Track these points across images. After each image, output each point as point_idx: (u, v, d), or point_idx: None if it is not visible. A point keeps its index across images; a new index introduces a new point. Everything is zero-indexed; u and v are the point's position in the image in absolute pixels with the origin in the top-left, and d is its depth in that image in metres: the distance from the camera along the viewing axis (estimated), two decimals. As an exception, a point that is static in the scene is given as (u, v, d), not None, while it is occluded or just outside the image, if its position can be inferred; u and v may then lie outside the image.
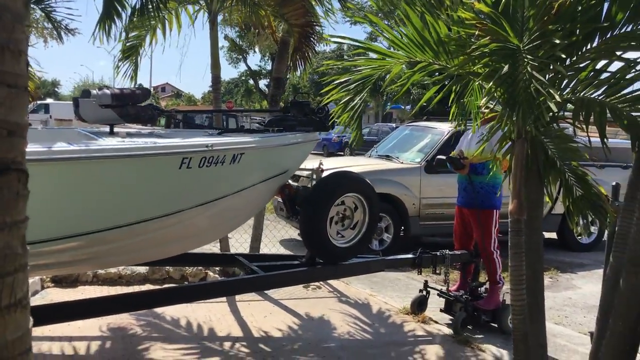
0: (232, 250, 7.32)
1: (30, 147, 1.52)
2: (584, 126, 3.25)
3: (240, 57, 48.15)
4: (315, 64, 9.48)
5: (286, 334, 5.39)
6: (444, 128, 9.63)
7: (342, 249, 5.27)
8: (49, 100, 37.78)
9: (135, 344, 4.97)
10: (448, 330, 5.64)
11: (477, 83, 3.78)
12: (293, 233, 9.96)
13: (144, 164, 4.03)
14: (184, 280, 6.80)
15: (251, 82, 53.67)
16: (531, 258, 3.42)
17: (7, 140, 1.34)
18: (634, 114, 3.06)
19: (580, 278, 8.32)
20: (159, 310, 5.60)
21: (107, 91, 4.65)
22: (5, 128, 1.33)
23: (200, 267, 6.84)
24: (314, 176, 7.09)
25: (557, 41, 2.91)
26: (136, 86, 7.48)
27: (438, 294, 6.06)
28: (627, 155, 5.11)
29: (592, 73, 3.24)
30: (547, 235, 9.49)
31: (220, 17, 7.85)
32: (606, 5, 2.99)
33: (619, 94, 3.09)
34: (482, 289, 6.04)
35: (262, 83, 51.12)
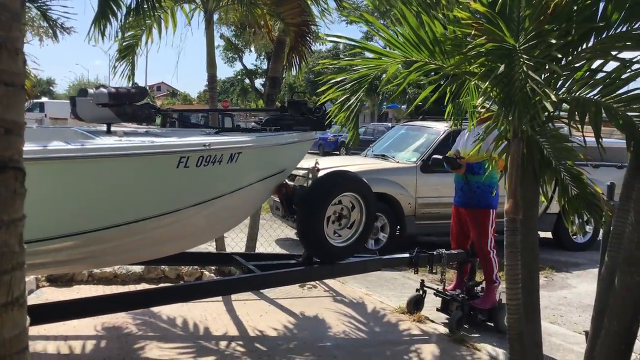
0: (228, 250, 7.32)
1: (27, 146, 1.52)
2: (579, 126, 3.26)
3: (236, 56, 48.16)
4: (311, 63, 9.47)
5: (282, 333, 5.39)
6: (440, 127, 9.65)
7: (339, 249, 5.27)
8: (44, 99, 37.76)
9: (130, 343, 4.96)
10: (444, 330, 5.65)
11: (473, 83, 3.79)
12: (289, 232, 9.96)
13: (142, 163, 4.02)
14: (180, 280, 6.79)
15: (247, 81, 53.70)
16: (527, 257, 3.43)
17: (4, 139, 1.34)
18: (629, 113, 3.07)
19: (575, 277, 8.34)
20: (154, 309, 5.59)
21: (104, 90, 4.64)
22: (2, 126, 1.33)
23: (196, 267, 6.83)
24: (310, 175, 7.10)
25: (553, 41, 2.93)
26: (132, 85, 7.46)
27: (435, 293, 6.07)
28: (622, 155, 5.13)
29: (587, 73, 3.25)
30: (542, 234, 9.53)
31: (216, 16, 7.84)
32: (602, 5, 3.00)
33: (615, 94, 3.10)
34: (479, 288, 6.06)
35: (258, 82, 51.16)
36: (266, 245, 8.31)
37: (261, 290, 6.35)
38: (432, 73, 3.76)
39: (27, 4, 6.48)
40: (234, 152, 4.48)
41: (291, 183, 5.67)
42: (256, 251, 7.39)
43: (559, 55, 3.06)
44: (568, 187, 3.60)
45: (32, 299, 5.59)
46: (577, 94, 3.22)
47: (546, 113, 2.98)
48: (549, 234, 10.19)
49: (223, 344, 5.06)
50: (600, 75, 3.21)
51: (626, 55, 3.09)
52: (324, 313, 5.98)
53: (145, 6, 5.90)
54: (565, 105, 3.34)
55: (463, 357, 5.05)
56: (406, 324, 5.78)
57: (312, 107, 5.61)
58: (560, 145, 3.44)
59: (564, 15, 2.98)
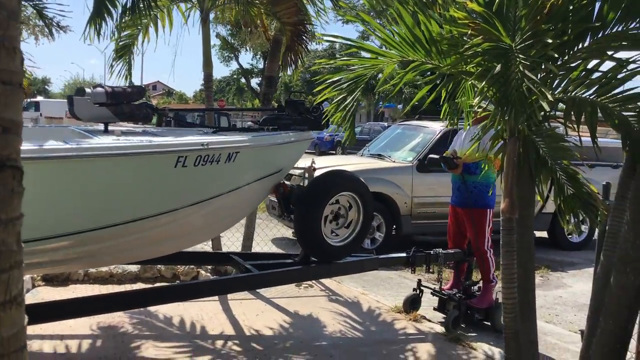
0: (224, 249, 7.32)
1: (25, 145, 1.52)
2: (575, 125, 3.27)
3: (232, 55, 48.14)
4: (307, 62, 9.48)
5: (278, 333, 5.39)
6: (436, 127, 9.67)
7: (337, 248, 5.28)
8: (39, 98, 37.65)
9: (127, 342, 4.96)
10: (440, 329, 5.66)
11: (469, 83, 3.79)
12: (285, 232, 9.97)
13: (140, 162, 4.02)
14: (176, 279, 6.78)
15: (243, 80, 53.65)
16: (522, 256, 3.44)
17: (2, 138, 1.34)
18: (625, 113, 3.08)
19: (570, 277, 8.36)
20: (151, 308, 5.59)
21: (102, 89, 4.63)
22: (0, 125, 1.33)
23: (192, 266, 6.83)
24: (306, 175, 7.09)
25: (549, 40, 2.93)
26: (128, 84, 7.46)
27: (432, 293, 6.08)
28: (617, 154, 5.15)
29: (583, 73, 3.26)
30: (537, 234, 9.52)
31: (212, 15, 7.84)
32: (598, 5, 3.00)
33: (610, 94, 3.10)
34: (475, 287, 6.07)
35: (254, 81, 51.12)
36: (262, 244, 8.31)
37: (257, 290, 6.35)
38: (429, 73, 3.77)
39: (23, 2, 6.47)
40: (232, 151, 4.48)
41: (288, 183, 5.66)
42: (252, 250, 7.39)
43: (555, 55, 3.07)
44: (564, 187, 3.61)
45: (28, 299, 5.58)
46: (573, 93, 3.23)
47: (542, 113, 2.98)
48: (544, 234, 10.22)
49: (219, 343, 5.06)
50: (596, 75, 3.22)
51: (622, 55, 3.10)
52: (320, 312, 5.98)
53: (141, 5, 5.89)
54: (561, 105, 3.35)
55: (459, 356, 5.06)
56: (402, 323, 5.79)
57: (309, 106, 5.62)
58: (556, 145, 3.45)
59: (560, 15, 2.99)
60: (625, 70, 3.07)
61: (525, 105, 2.93)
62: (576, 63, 3.24)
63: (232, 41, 42.70)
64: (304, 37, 7.60)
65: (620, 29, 2.98)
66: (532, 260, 3.60)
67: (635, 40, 3.00)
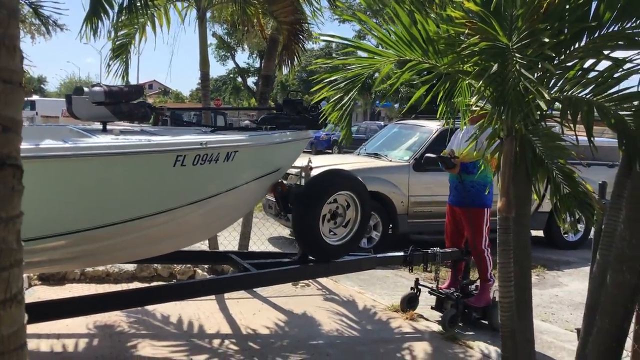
0: (221, 248, 7.32)
1: (23, 144, 1.52)
2: (571, 125, 3.28)
3: (229, 54, 48.09)
4: (303, 61, 9.48)
5: (275, 332, 5.40)
6: (432, 126, 9.68)
7: (335, 247, 5.29)
8: (35, 97, 37.49)
9: (123, 341, 4.96)
10: (437, 327, 5.67)
11: (466, 82, 3.80)
12: (282, 231, 9.98)
13: (139, 161, 4.02)
14: (173, 278, 6.78)
15: (239, 79, 53.61)
16: (519, 255, 3.45)
17: (2, 136, 1.34)
18: (620, 112, 3.09)
19: (566, 275, 8.38)
20: (147, 307, 5.59)
21: (100, 88, 4.62)
22: (0, 123, 1.33)
23: (188, 265, 6.82)
24: (303, 174, 7.11)
25: (546, 40, 2.94)
26: (124, 83, 7.45)
27: (429, 292, 6.09)
28: (613, 154, 5.16)
29: (579, 72, 3.27)
30: (534, 233, 9.57)
31: (208, 14, 7.83)
32: (594, 4, 3.02)
33: (606, 93, 3.12)
34: (473, 286, 6.09)
35: (251, 81, 51.10)
36: (259, 243, 8.31)
37: (254, 289, 6.35)
38: (425, 72, 3.78)
39: (20, 0, 6.45)
40: (231, 150, 4.48)
41: (286, 182, 5.67)
42: (249, 249, 7.39)
43: (552, 54, 3.08)
44: (560, 186, 3.62)
45: (25, 298, 5.56)
46: (570, 93, 3.24)
47: (539, 112, 3.00)
48: (540, 233, 10.24)
49: (216, 342, 5.06)
50: (592, 74, 3.23)
51: (618, 54, 3.11)
52: (316, 311, 5.99)
53: (138, 4, 5.89)
54: (557, 104, 3.36)
55: (456, 355, 5.07)
56: (399, 322, 5.80)
57: (307, 105, 5.62)
58: (552, 144, 3.46)
59: (556, 14, 3.00)
60: (621, 69, 3.09)
61: (522, 104, 2.94)
62: (572, 62, 3.25)
63: (229, 40, 42.67)
64: (301, 37, 7.60)
65: (616, 28, 2.99)
66: (529, 258, 3.61)
67: (631, 40, 3.02)
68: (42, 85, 72.78)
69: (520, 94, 2.89)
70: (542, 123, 3.47)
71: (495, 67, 2.97)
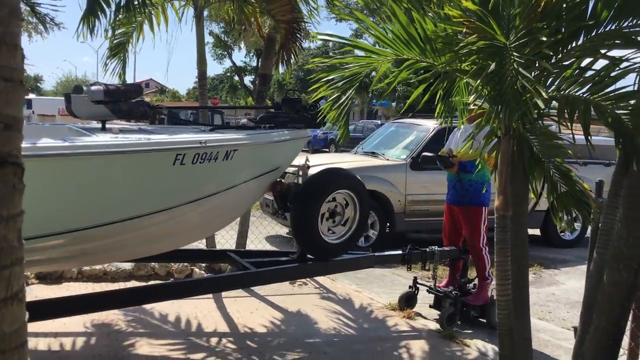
0: (218, 247, 7.32)
1: (23, 143, 1.52)
2: (568, 124, 3.29)
3: (225, 53, 48.04)
4: (300, 60, 9.48)
5: (272, 330, 5.41)
6: (429, 125, 9.69)
7: (333, 245, 5.29)
8: (31, 96, 37.41)
9: (121, 339, 4.96)
10: (434, 326, 5.68)
11: (463, 81, 3.81)
12: (279, 230, 9.98)
13: (139, 160, 4.02)
14: (170, 277, 6.78)
15: (236, 78, 53.57)
16: (516, 253, 3.46)
17: (3, 134, 1.35)
18: (617, 111, 3.10)
19: (563, 274, 8.41)
20: (145, 306, 5.59)
21: (100, 87, 4.62)
22: (1, 121, 1.34)
23: (185, 264, 6.83)
24: (300, 173, 7.11)
25: (544, 39, 2.95)
26: (121, 82, 7.44)
27: (428, 290, 6.10)
28: (610, 152, 5.18)
29: (577, 71, 3.28)
30: (530, 231, 9.57)
31: (205, 13, 7.83)
32: (591, 3, 3.02)
33: (603, 92, 3.12)
34: (471, 285, 6.10)
35: (247, 79, 51.05)
36: (256, 242, 8.31)
37: (252, 287, 6.36)
38: (422, 71, 3.78)
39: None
40: (230, 149, 4.49)
41: (285, 181, 5.68)
42: (246, 248, 7.40)
43: (550, 53, 3.09)
44: (557, 184, 3.62)
45: (22, 296, 5.56)
46: (567, 91, 3.25)
47: (537, 110, 3.00)
48: (537, 231, 10.26)
49: (214, 340, 5.07)
50: (589, 73, 3.23)
51: (615, 53, 3.12)
52: (314, 310, 6.00)
53: (136, 2, 5.88)
54: (554, 103, 3.37)
55: (453, 353, 5.09)
56: (396, 320, 5.81)
57: (306, 104, 5.63)
58: (549, 143, 3.46)
59: (554, 13, 3.00)
60: (618, 68, 3.09)
61: (520, 103, 2.95)
62: (570, 61, 3.26)
63: (225, 39, 42.63)
64: (298, 35, 7.61)
65: (613, 27, 2.99)
66: (526, 257, 3.61)
67: (628, 39, 3.02)
68: (38, 84, 72.62)
69: (518, 93, 2.90)
70: (539, 122, 3.48)
71: (493, 65, 2.98)
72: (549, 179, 3.62)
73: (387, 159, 9.58)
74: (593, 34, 3.06)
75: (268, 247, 8.93)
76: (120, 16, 6.06)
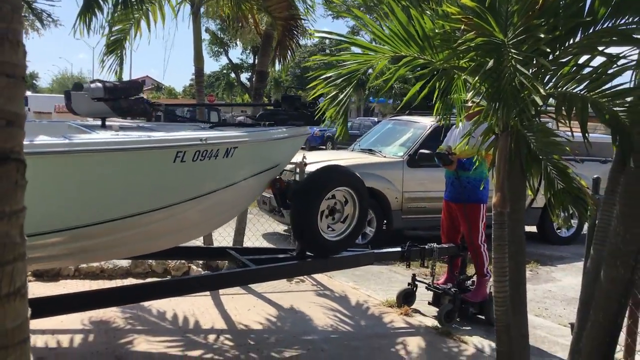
0: (216, 244, 7.32)
1: (24, 140, 1.52)
2: (565, 121, 3.30)
3: (222, 50, 47.94)
4: (297, 57, 9.48)
5: (270, 327, 5.42)
6: (427, 122, 9.71)
7: (333, 243, 5.29)
8: (27, 93, 37.22)
9: (118, 337, 4.96)
10: (431, 322, 5.70)
11: (462, 78, 3.82)
12: (276, 227, 9.99)
13: (139, 157, 4.02)
14: (167, 274, 6.78)
15: (233, 75, 53.45)
16: (514, 250, 3.47)
17: (5, 131, 1.35)
18: (615, 108, 3.11)
19: (559, 271, 8.43)
20: (143, 303, 5.59)
21: (100, 84, 4.62)
22: (3, 118, 1.34)
23: (183, 261, 6.82)
24: (298, 170, 7.11)
25: (541, 36, 2.96)
26: (117, 79, 7.43)
27: (426, 287, 6.12)
28: (607, 149, 5.19)
29: (574, 68, 3.29)
30: (527, 228, 9.57)
31: (202, 10, 7.82)
32: (589, 1, 3.03)
33: (600, 89, 3.13)
34: (469, 281, 6.12)
35: (244, 76, 50.97)
36: (253, 239, 8.32)
37: (249, 285, 6.36)
38: (418, 68, 3.79)
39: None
40: (230, 146, 4.49)
41: (284, 178, 5.68)
42: (244, 245, 7.40)
43: (547, 50, 3.10)
44: (554, 181, 3.63)
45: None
46: (564, 88, 3.26)
47: (535, 107, 3.02)
48: (533, 228, 10.29)
49: (211, 337, 5.08)
50: (586, 70, 3.25)
51: (612, 50, 3.13)
52: (311, 307, 6.01)
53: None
54: (552, 100, 3.38)
55: (450, 349, 5.10)
56: (394, 317, 5.82)
57: (305, 101, 5.63)
58: (547, 140, 3.48)
59: (551, 10, 3.01)
60: (615, 65, 3.11)
61: (518, 99, 2.96)
62: (567, 58, 3.26)
63: (222, 36, 42.54)
64: (295, 32, 7.60)
65: (610, 24, 3.01)
66: (524, 254, 3.63)
67: (625, 36, 3.04)
68: (34, 81, 72.40)
69: (516, 90, 2.91)
70: (537, 119, 3.49)
71: (490, 62, 2.98)
72: (546, 175, 3.63)
73: (384, 156, 9.60)
74: (590, 31, 3.07)
75: (265, 244, 8.94)
76: (117, 13, 6.06)
